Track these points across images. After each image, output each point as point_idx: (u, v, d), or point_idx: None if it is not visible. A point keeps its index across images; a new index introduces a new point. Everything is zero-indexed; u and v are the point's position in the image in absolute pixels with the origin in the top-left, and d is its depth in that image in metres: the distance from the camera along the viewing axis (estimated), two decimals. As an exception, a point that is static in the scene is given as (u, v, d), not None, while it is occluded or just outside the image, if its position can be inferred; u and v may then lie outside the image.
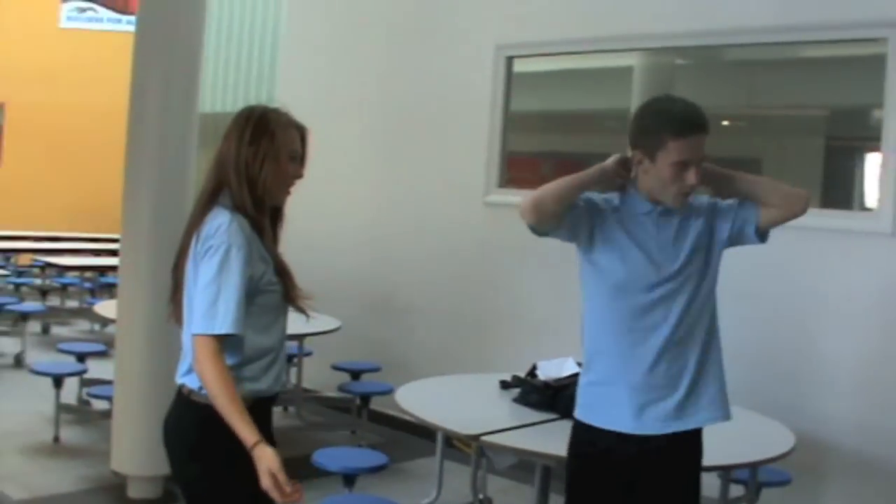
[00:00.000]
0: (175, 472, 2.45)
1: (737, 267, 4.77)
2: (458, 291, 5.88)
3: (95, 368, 5.85)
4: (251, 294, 2.31)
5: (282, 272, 2.41)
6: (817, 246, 4.44)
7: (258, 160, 2.34)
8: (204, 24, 4.60)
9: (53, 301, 9.73)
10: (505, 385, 4.00)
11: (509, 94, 5.83)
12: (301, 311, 2.45)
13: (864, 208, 4.68)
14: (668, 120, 2.38)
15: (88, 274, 9.78)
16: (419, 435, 5.14)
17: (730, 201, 2.53)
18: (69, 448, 5.30)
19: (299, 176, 2.45)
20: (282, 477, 2.17)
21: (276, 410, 5.94)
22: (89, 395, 5.57)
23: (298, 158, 2.43)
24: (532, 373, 3.93)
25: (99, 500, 4.52)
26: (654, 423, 2.46)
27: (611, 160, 2.48)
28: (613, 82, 5.80)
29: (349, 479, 3.76)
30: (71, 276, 9.83)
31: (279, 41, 8.02)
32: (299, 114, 2.46)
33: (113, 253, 8.14)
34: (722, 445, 3.57)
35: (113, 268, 7.72)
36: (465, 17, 6.04)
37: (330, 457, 3.83)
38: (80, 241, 10.80)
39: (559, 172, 2.51)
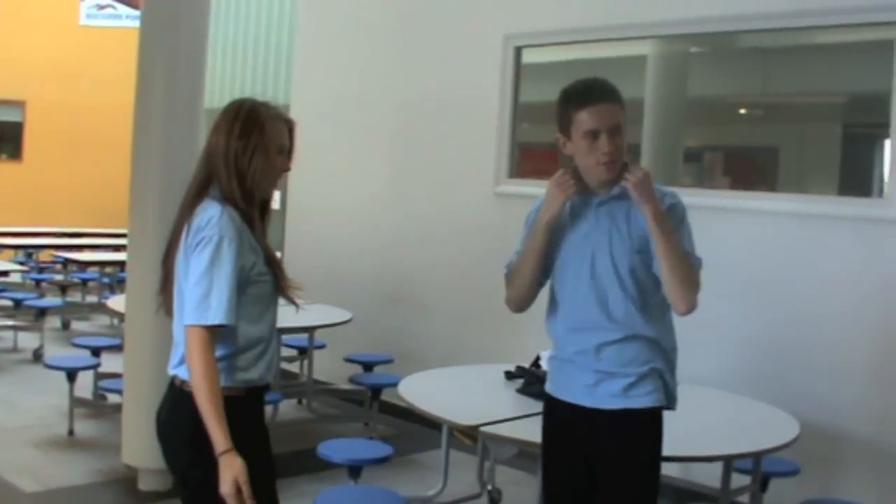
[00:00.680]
0: (171, 464, 2.46)
1: (750, 254, 4.77)
2: (470, 281, 5.85)
3: (111, 363, 5.88)
4: (242, 285, 2.32)
5: (272, 262, 2.42)
6: (832, 233, 4.38)
7: (248, 153, 2.36)
8: (209, 19, 4.61)
9: (74, 297, 9.79)
10: (510, 376, 3.99)
11: (518, 84, 5.79)
12: (291, 300, 2.46)
13: (882, 195, 4.60)
14: (571, 94, 2.52)
15: (108, 269, 9.83)
16: (430, 426, 5.12)
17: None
18: (83, 441, 5.35)
19: (287, 169, 2.48)
20: (246, 490, 2.18)
21: (290, 403, 6.01)
22: (102, 388, 5.62)
23: (286, 152, 2.45)
24: (536, 363, 3.91)
25: (110, 492, 4.56)
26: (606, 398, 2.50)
27: (548, 185, 2.54)
28: (626, 72, 5.69)
29: (354, 470, 3.76)
30: (91, 272, 9.89)
31: (294, 35, 8.02)
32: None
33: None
34: (724, 435, 3.56)
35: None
36: (473, 8, 6.01)
37: (335, 448, 3.82)
38: (101, 236, 10.90)
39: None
